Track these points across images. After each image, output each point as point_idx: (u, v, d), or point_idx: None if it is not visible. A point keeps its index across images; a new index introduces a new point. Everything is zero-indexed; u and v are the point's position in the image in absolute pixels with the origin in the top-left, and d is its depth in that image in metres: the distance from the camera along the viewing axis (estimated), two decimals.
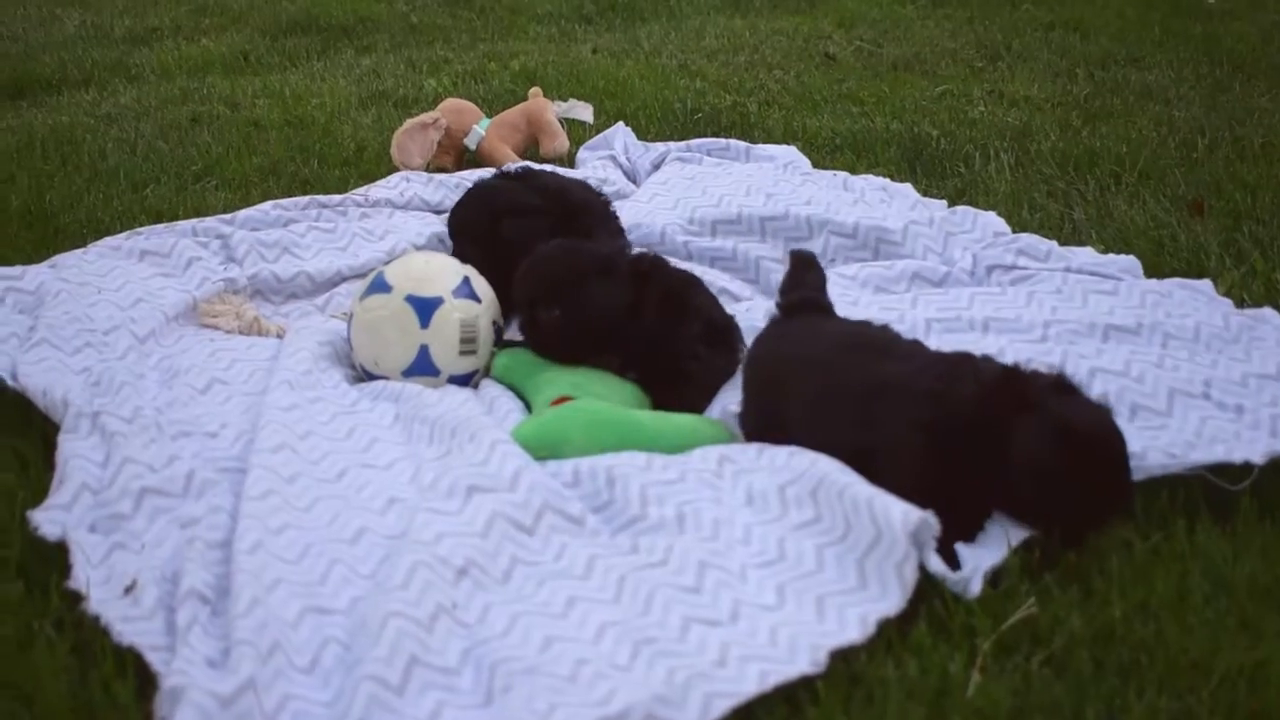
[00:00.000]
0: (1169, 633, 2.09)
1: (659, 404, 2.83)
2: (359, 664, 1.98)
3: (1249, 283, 3.35)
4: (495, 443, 2.49)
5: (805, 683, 2.00)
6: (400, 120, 4.89)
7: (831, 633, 2.09)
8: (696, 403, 2.82)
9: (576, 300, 2.85)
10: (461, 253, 3.29)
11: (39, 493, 2.51)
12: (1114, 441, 2.28)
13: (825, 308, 2.79)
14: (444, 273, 2.97)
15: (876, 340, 2.59)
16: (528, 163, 4.23)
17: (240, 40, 6.64)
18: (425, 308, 2.90)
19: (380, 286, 2.94)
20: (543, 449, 2.55)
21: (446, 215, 3.51)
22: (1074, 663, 2.04)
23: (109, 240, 3.50)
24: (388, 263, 3.17)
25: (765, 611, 2.13)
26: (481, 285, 3.00)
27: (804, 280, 2.83)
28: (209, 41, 6.64)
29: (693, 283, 3.04)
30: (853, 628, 2.09)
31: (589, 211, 3.40)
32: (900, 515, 2.17)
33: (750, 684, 1.96)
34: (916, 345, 2.58)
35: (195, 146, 4.67)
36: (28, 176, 4.35)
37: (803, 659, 2.03)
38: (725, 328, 2.98)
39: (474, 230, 3.34)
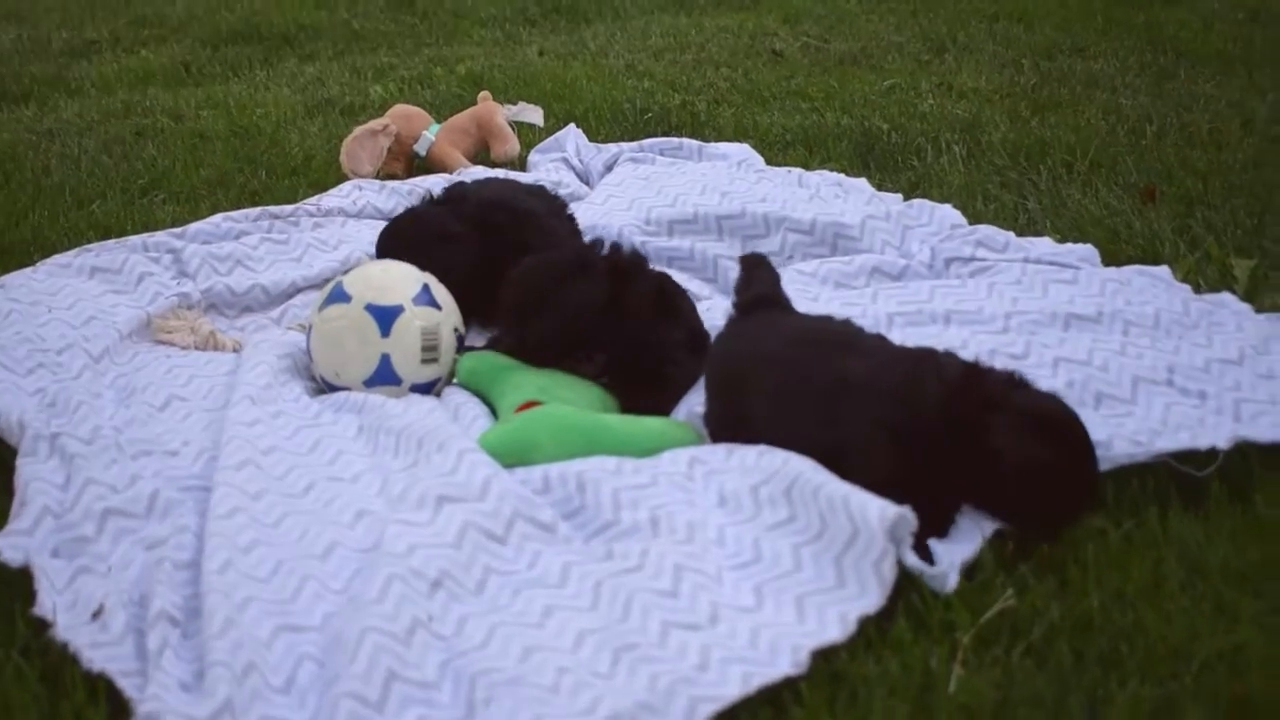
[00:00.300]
0: (1147, 620, 2.10)
1: (629, 407, 2.82)
2: (336, 681, 1.96)
3: (1204, 268, 3.38)
4: (463, 452, 2.46)
5: (788, 683, 1.99)
6: (347, 128, 4.87)
7: (812, 632, 2.08)
8: (666, 406, 2.80)
9: (561, 303, 2.85)
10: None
11: None
12: (1083, 430, 2.30)
13: (782, 303, 2.79)
14: (404, 280, 2.94)
15: (838, 335, 2.58)
16: (479, 168, 4.23)
17: (180, 51, 6.56)
18: (386, 316, 2.87)
19: (339, 296, 2.91)
20: (510, 456, 2.53)
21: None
22: (1055, 654, 2.04)
23: (57, 258, 3.45)
24: (345, 272, 3.13)
25: (744, 613, 2.12)
26: (441, 292, 2.98)
27: (757, 278, 2.83)
28: (149, 53, 6.56)
29: (678, 288, 3.03)
30: (833, 627, 2.08)
31: (524, 225, 3.36)
32: (877, 512, 2.17)
33: (733, 687, 1.95)
34: (879, 340, 2.58)
35: (141, 160, 4.61)
36: None
37: (784, 660, 2.02)
38: (705, 335, 2.98)
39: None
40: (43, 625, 2.15)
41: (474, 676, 1.98)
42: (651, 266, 3.09)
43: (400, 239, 3.31)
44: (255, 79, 5.95)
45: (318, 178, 4.35)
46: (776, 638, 2.07)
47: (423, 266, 3.07)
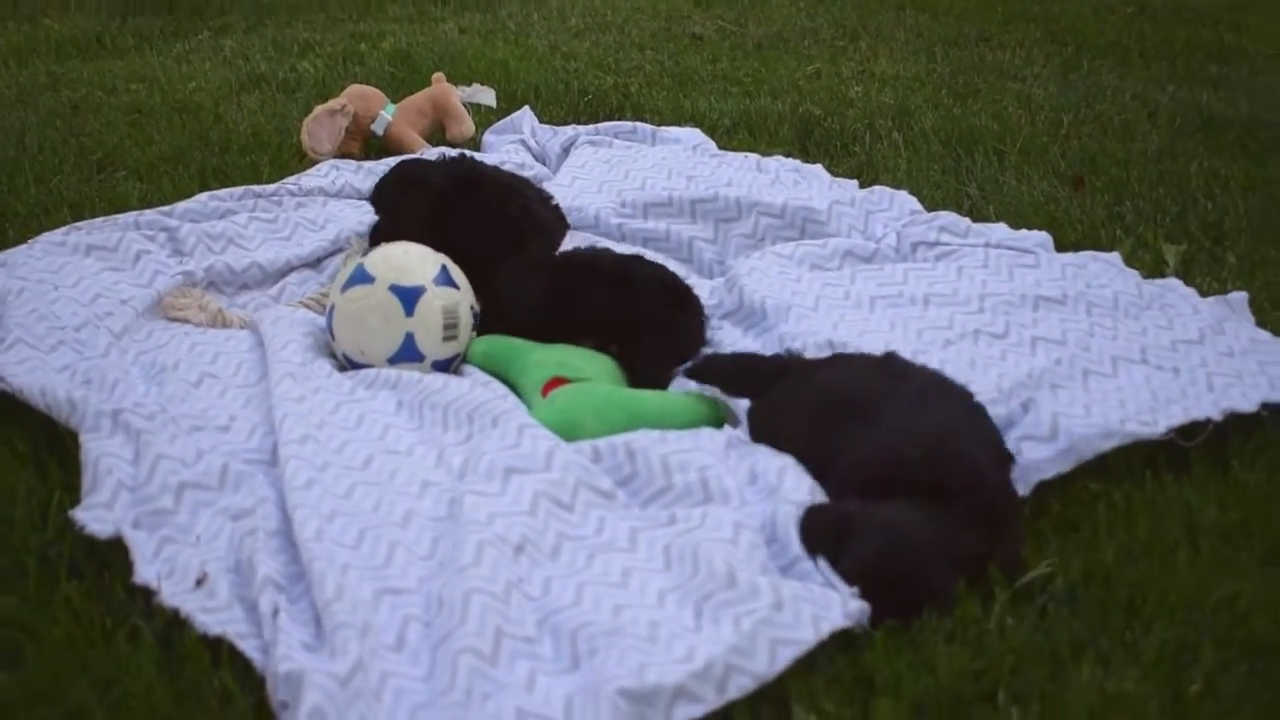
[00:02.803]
0: (1156, 573, 2.37)
1: (636, 367, 3.05)
2: (448, 639, 2.13)
3: (1139, 254, 3.68)
4: (523, 426, 2.65)
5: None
6: (287, 105, 4.96)
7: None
8: (665, 361, 3.05)
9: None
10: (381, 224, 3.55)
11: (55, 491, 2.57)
12: None
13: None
14: (423, 262, 3.09)
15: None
16: (442, 148, 4.36)
17: (86, 21, 6.48)
18: (409, 296, 3.02)
19: (362, 278, 3.05)
20: (557, 435, 2.70)
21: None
22: (1081, 602, 2.31)
23: (50, 236, 3.50)
24: (362, 254, 3.25)
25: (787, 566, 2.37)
26: (457, 273, 3.13)
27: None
28: (51, 21, 6.47)
29: (622, 262, 3.29)
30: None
31: (489, 188, 3.55)
32: None
33: (807, 630, 2.17)
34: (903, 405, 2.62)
35: (87, 135, 4.62)
36: None
37: (836, 611, 2.25)
38: (686, 289, 3.25)
39: (381, 201, 3.62)
40: (145, 593, 2.27)
41: (573, 631, 2.17)
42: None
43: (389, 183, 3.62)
44: (172, 52, 5.94)
45: (274, 155, 4.43)
46: (825, 593, 2.29)
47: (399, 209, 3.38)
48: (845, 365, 2.80)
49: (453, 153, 3.88)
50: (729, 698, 2.06)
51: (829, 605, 2.25)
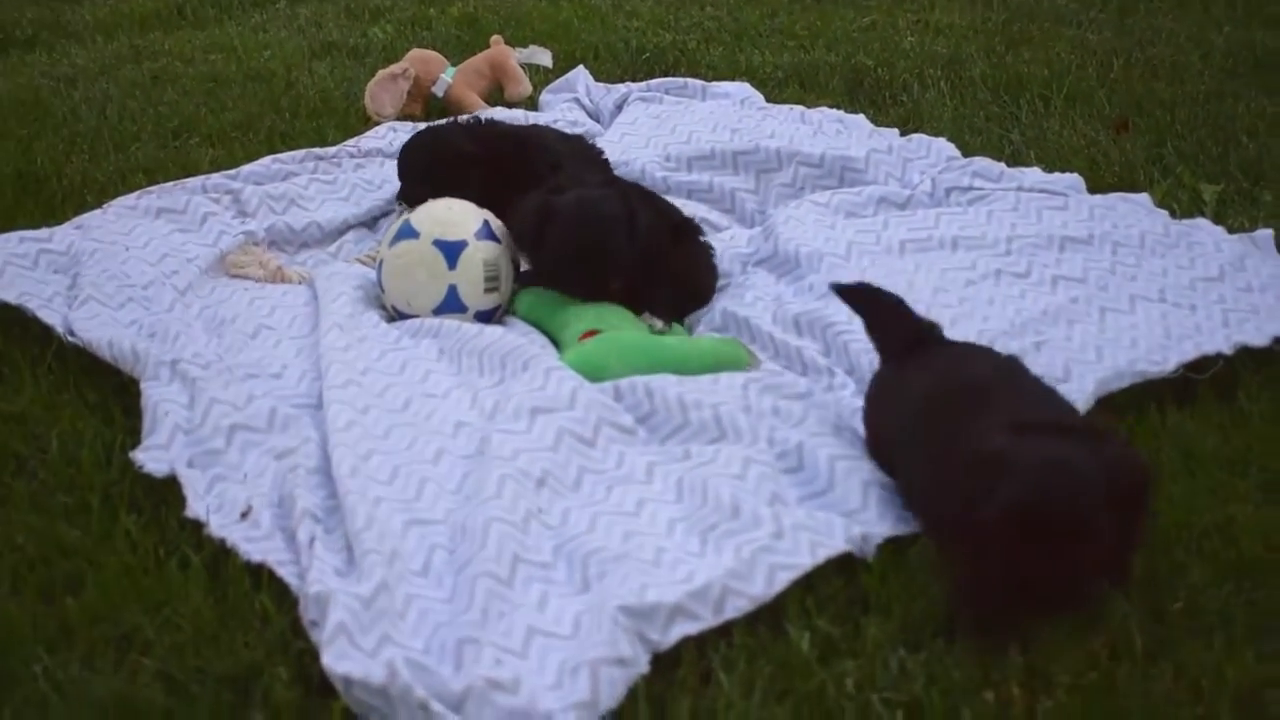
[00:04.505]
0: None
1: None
2: (469, 564, 2.28)
3: (1177, 194, 3.74)
4: (550, 369, 2.80)
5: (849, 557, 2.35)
6: (356, 70, 5.12)
7: (870, 520, 2.43)
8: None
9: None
10: (407, 192, 3.67)
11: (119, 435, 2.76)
12: None
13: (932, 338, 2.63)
14: (466, 217, 3.24)
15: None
16: (497, 108, 4.50)
17: None
18: (451, 250, 3.17)
19: (408, 233, 3.21)
20: (583, 375, 2.84)
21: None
22: None
23: (123, 200, 3.70)
24: (401, 212, 3.41)
25: (807, 498, 2.49)
26: (498, 226, 3.27)
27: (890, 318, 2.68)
28: None
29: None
30: (873, 515, 2.45)
31: (530, 156, 3.66)
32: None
33: (804, 556, 2.31)
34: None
35: (165, 104, 4.83)
36: (9, 141, 4.47)
37: (838, 537, 2.37)
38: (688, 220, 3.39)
39: (413, 173, 3.69)
40: (196, 525, 2.46)
41: (585, 557, 2.32)
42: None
43: (417, 153, 3.70)
44: (250, 21, 6.14)
45: (340, 120, 4.60)
46: (831, 518, 2.42)
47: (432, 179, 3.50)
48: (963, 357, 2.57)
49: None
50: (726, 617, 2.20)
51: (831, 532, 2.37)
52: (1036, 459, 2.09)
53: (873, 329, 2.70)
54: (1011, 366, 2.50)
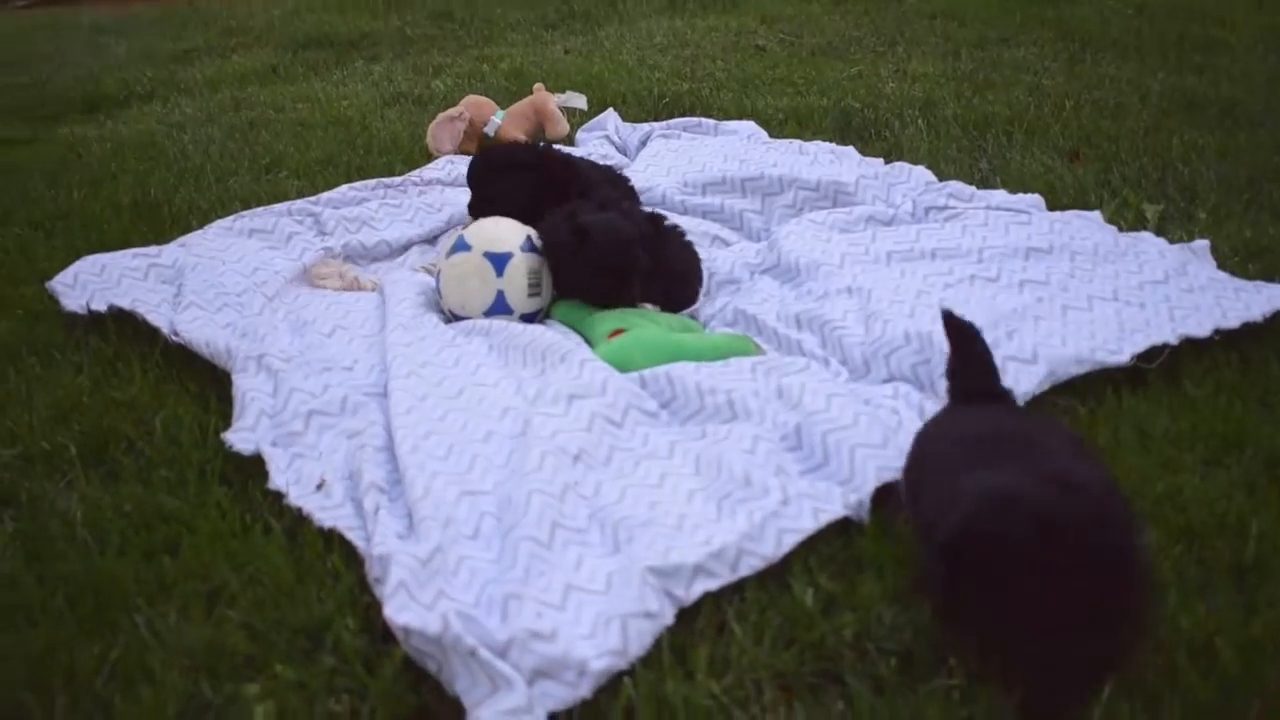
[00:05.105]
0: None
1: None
2: (514, 529, 2.17)
3: (1124, 212, 3.59)
4: (584, 361, 2.68)
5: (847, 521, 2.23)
6: (421, 116, 5.02)
7: (860, 486, 2.31)
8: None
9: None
10: (475, 193, 3.55)
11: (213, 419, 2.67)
12: None
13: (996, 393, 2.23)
14: (511, 233, 3.13)
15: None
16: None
17: (266, 55, 6.65)
18: (499, 261, 3.06)
19: (462, 246, 3.10)
20: (613, 367, 2.72)
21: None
22: None
23: (220, 222, 3.61)
24: (456, 229, 3.30)
25: (806, 474, 2.36)
26: (539, 240, 3.15)
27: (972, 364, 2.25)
28: (239, 58, 6.65)
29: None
30: (872, 479, 2.31)
31: (568, 170, 3.55)
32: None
33: (808, 520, 2.19)
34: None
35: (259, 145, 4.75)
36: (128, 176, 4.41)
37: (836, 503, 2.25)
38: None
39: (481, 177, 3.56)
40: (278, 497, 2.35)
41: (616, 523, 2.20)
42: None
43: (481, 163, 3.58)
44: (333, 77, 6.06)
45: (406, 155, 4.50)
46: (830, 487, 2.29)
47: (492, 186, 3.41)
48: (1014, 412, 2.23)
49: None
50: (740, 575, 2.08)
51: (830, 499, 2.25)
52: (987, 492, 1.77)
53: (955, 368, 2.26)
54: (1067, 436, 2.06)
